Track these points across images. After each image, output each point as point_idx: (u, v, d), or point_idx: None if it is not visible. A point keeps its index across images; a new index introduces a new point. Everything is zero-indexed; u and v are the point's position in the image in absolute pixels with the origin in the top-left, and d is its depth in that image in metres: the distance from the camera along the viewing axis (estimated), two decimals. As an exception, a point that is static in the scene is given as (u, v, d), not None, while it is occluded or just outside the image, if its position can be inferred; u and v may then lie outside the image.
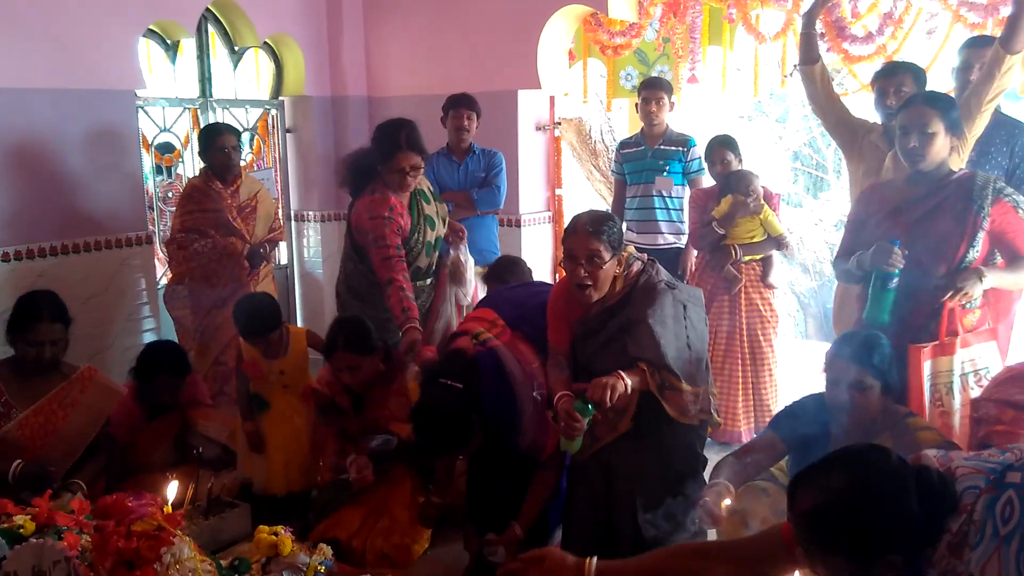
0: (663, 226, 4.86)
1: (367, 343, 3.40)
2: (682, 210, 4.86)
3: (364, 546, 3.33)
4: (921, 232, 2.89)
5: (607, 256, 2.71)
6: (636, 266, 2.83)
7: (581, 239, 2.72)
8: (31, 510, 2.33)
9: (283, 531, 2.25)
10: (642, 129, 4.93)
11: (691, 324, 2.77)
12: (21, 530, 2.14)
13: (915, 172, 2.92)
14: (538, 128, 5.72)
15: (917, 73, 3.60)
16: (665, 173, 4.81)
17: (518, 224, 5.59)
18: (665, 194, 4.83)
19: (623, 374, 2.64)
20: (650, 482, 2.84)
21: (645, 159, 4.86)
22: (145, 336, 4.81)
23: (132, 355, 4.57)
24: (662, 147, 4.83)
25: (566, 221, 3.71)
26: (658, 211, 4.86)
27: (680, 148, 4.83)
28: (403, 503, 3.46)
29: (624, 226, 4.96)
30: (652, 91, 4.77)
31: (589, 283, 2.73)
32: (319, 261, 6.11)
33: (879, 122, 3.71)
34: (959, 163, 3.16)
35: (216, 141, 4.36)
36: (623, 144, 5.04)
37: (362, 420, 3.51)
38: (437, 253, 3.92)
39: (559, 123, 5.86)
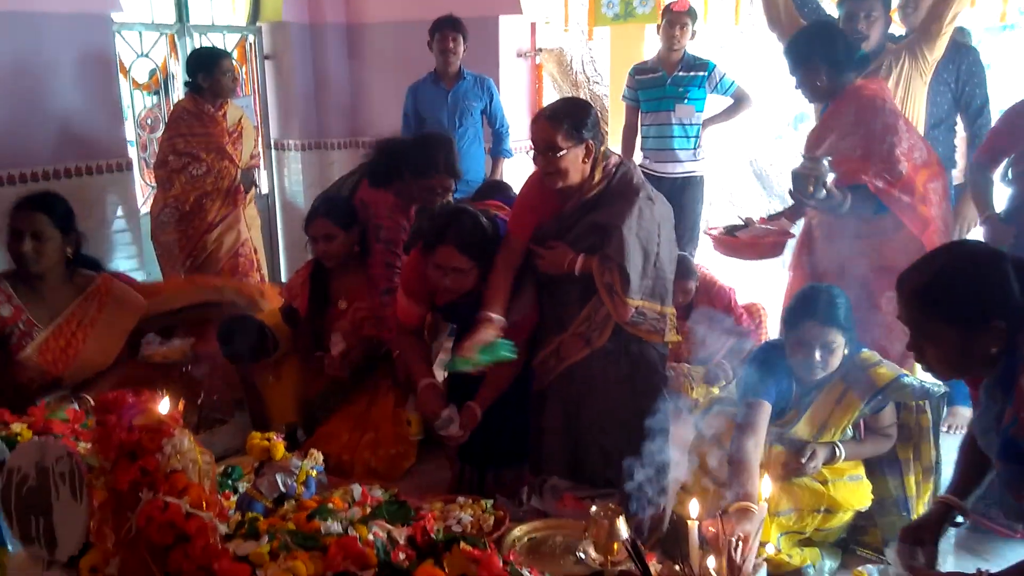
0: (680, 154, 4.83)
1: (346, 217, 3.46)
2: (700, 137, 4.84)
3: (353, 459, 3.43)
4: None
5: (566, 145, 2.69)
6: (614, 159, 2.85)
7: (540, 128, 2.73)
8: (27, 418, 2.39)
9: (275, 437, 2.31)
10: (658, 54, 4.85)
11: (662, 242, 2.81)
12: (19, 437, 2.20)
13: None
14: (519, 55, 5.69)
15: None
16: (686, 100, 4.76)
17: (499, 153, 5.59)
18: (685, 122, 4.79)
19: (580, 256, 2.75)
20: (618, 398, 2.91)
21: (664, 86, 4.78)
22: (126, 264, 4.81)
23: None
24: (681, 73, 4.76)
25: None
26: (676, 139, 4.81)
27: (701, 73, 4.76)
28: (386, 417, 3.55)
29: (640, 156, 4.97)
30: (678, 15, 4.70)
31: (550, 171, 2.75)
32: (300, 190, 6.11)
33: None
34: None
35: (221, 64, 4.36)
36: (637, 70, 4.92)
37: (305, 341, 3.56)
38: None
39: (540, 50, 5.83)
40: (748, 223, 3.51)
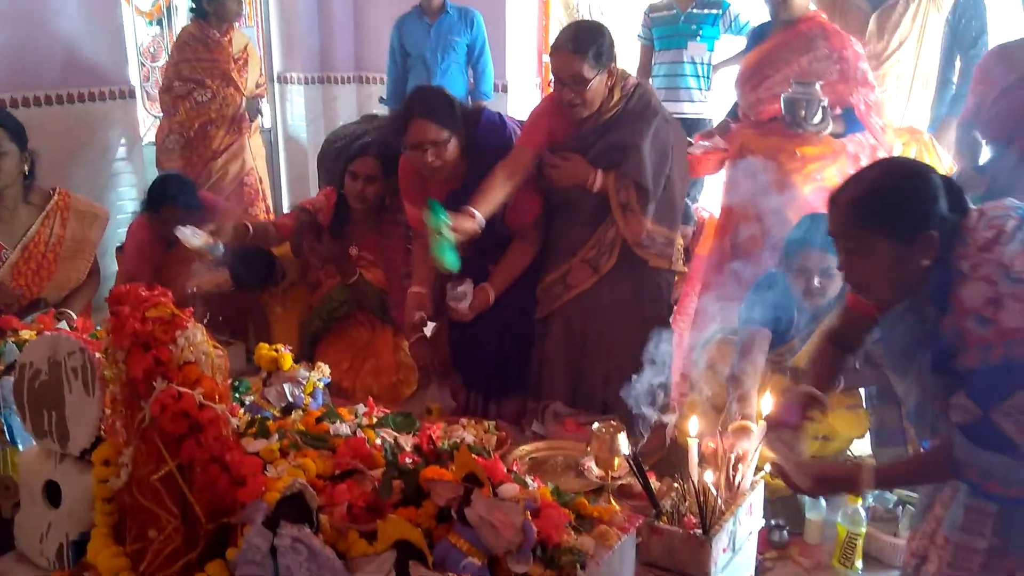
0: (693, 93, 4.79)
1: (393, 164, 3.31)
2: (710, 78, 4.79)
3: (354, 385, 3.46)
4: None
5: (591, 75, 2.67)
6: (631, 80, 2.84)
7: (564, 59, 2.70)
8: (36, 326, 2.41)
9: (283, 348, 2.34)
10: None
11: (674, 166, 2.82)
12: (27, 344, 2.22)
13: None
14: (526, -8, 5.61)
15: None
16: (698, 38, 4.70)
17: (504, 90, 5.55)
18: (697, 60, 4.74)
19: (599, 171, 2.74)
20: (623, 325, 2.93)
21: (677, 23, 4.73)
22: (127, 193, 4.81)
23: (116, 212, 4.60)
24: (695, 10, 4.70)
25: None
26: (688, 78, 4.76)
27: (714, 11, 4.69)
28: (388, 345, 3.57)
29: None
30: None
31: (577, 103, 2.74)
32: (303, 125, 6.06)
33: None
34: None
35: None
36: (652, 8, 4.85)
37: (334, 246, 3.50)
38: None
39: (547, -12, 5.75)
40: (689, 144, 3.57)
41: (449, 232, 2.63)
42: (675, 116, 4.68)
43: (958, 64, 3.89)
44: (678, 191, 2.87)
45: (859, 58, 3.22)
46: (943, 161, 3.46)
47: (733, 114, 3.69)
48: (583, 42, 2.69)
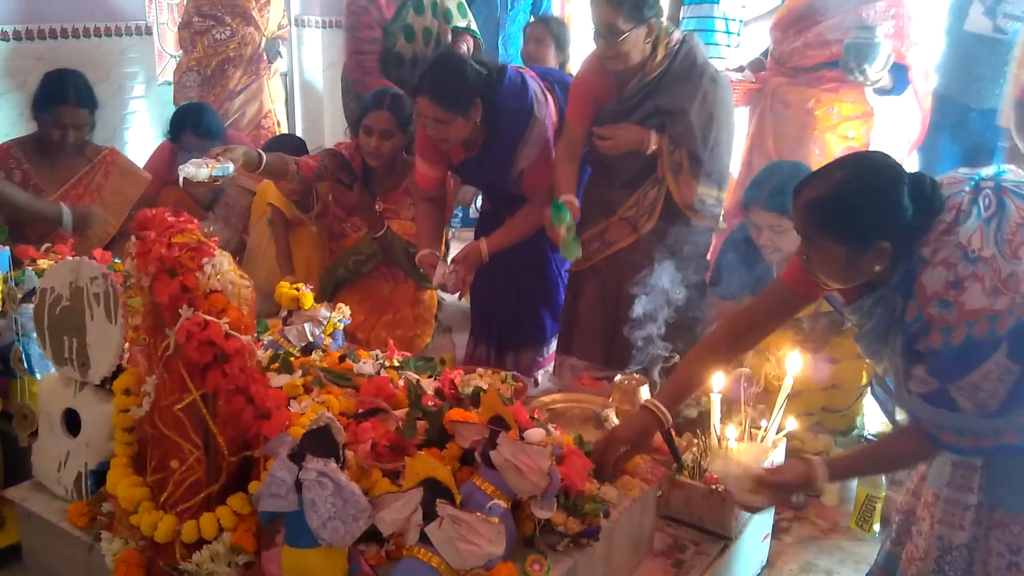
0: (720, 49, 4.60)
1: (408, 119, 3.26)
2: (740, 35, 4.61)
3: (369, 338, 3.42)
4: None
5: (627, 27, 2.59)
6: (676, 35, 2.75)
7: (600, 8, 2.62)
8: (53, 255, 2.38)
9: (304, 287, 2.30)
10: None
11: (722, 127, 2.74)
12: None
13: None
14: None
15: None
16: None
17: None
18: (729, 16, 4.54)
19: (653, 133, 2.68)
20: (658, 285, 2.89)
21: None
22: (144, 132, 4.74)
23: (131, 150, 4.53)
24: None
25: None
26: (717, 34, 4.56)
27: None
28: (407, 299, 3.53)
29: None
30: None
31: (611, 55, 2.66)
32: (320, 70, 5.96)
33: None
34: None
35: None
36: None
37: (364, 197, 3.41)
38: None
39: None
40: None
41: (574, 229, 2.71)
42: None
43: None
44: (725, 150, 2.80)
45: (913, 17, 3.13)
46: None
47: (758, 64, 3.60)
48: None
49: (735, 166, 3.40)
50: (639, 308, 2.69)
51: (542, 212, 2.92)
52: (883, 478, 2.40)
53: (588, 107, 2.82)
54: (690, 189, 2.73)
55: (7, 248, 2.23)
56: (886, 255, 1.63)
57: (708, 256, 3.03)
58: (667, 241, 2.84)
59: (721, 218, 2.87)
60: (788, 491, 1.95)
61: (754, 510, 1.94)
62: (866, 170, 1.67)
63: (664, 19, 2.72)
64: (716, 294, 2.87)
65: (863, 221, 1.62)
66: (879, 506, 2.40)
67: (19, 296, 2.12)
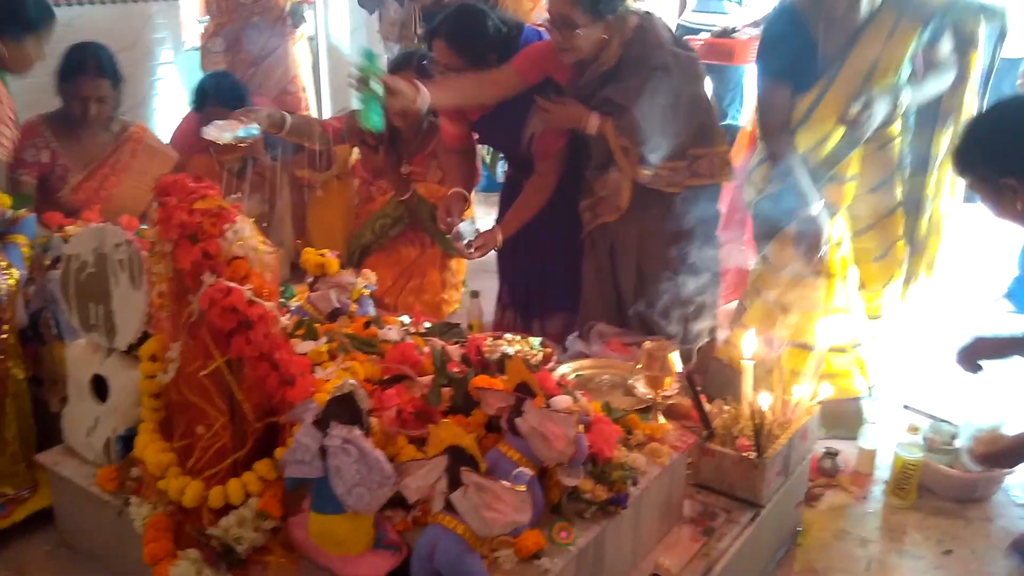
0: (725, 5, 4.55)
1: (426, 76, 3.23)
2: None
3: (396, 303, 3.41)
4: None
5: (583, 21, 2.48)
6: (632, 21, 2.60)
7: (555, 1, 2.52)
8: (80, 222, 2.38)
9: (329, 253, 2.29)
10: None
11: (681, 112, 2.62)
12: (73, 239, 2.19)
13: None
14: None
15: None
16: None
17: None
18: None
19: (594, 115, 2.60)
20: (655, 249, 2.82)
21: None
22: (171, 99, 4.74)
23: (160, 117, 4.53)
24: None
25: None
26: None
27: None
28: (434, 263, 3.51)
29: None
30: None
31: (566, 48, 2.56)
32: (347, 33, 5.91)
33: None
34: None
35: None
36: None
37: (391, 159, 3.39)
38: None
39: None
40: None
41: (380, 86, 2.36)
42: (705, 28, 4.50)
43: None
44: (694, 122, 2.68)
45: None
46: None
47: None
48: None
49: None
50: (660, 289, 2.67)
51: (550, 181, 2.88)
52: (922, 444, 2.35)
53: (535, 71, 2.68)
54: (638, 170, 2.64)
55: (33, 214, 2.22)
56: (1018, 192, 1.75)
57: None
58: (658, 207, 2.74)
59: (721, 171, 2.77)
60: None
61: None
62: (1010, 105, 1.86)
63: (622, 7, 2.57)
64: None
65: (989, 157, 1.79)
66: (916, 475, 2.35)
67: (47, 263, 2.13)
